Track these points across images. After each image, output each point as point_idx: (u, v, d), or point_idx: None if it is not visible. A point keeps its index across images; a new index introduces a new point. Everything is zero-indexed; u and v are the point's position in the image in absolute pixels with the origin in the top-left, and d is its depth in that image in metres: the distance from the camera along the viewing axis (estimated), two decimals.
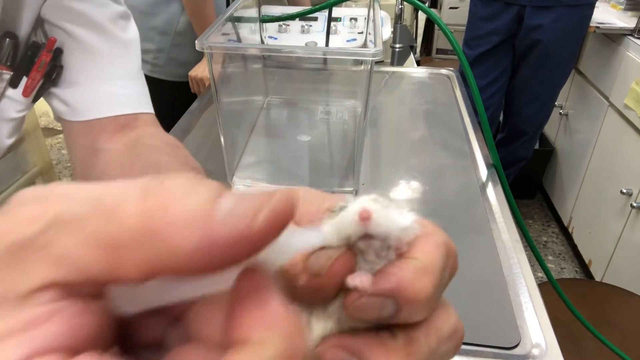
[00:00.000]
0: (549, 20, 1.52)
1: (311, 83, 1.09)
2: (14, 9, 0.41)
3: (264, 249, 0.12)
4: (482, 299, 0.55)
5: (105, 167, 0.45)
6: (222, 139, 0.72)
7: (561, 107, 2.08)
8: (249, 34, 0.97)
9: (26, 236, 0.11)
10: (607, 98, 1.71)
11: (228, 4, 1.28)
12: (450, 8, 2.88)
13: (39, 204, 0.12)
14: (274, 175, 0.80)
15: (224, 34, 0.75)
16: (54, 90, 0.46)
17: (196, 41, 0.61)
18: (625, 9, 1.76)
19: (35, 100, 0.46)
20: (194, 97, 1.15)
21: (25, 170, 1.55)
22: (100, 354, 0.11)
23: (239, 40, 0.87)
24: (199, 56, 1.29)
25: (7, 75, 0.43)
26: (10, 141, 0.47)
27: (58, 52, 0.44)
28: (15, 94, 0.44)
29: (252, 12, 0.97)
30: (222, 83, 0.71)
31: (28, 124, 1.51)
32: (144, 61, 1.45)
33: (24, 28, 0.42)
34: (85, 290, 0.12)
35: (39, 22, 0.44)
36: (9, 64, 0.42)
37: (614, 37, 1.67)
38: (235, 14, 0.80)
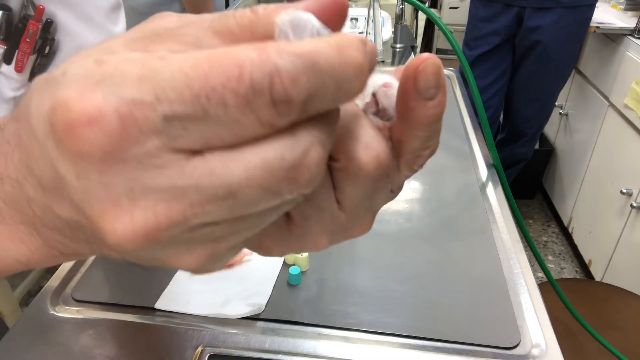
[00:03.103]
0: (549, 22, 1.52)
1: None
2: None
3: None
4: (482, 299, 0.55)
5: None
6: None
7: (561, 107, 2.08)
8: None
9: (168, 27, 0.17)
10: (607, 98, 1.71)
11: (228, 5, 1.28)
12: (450, 8, 2.88)
13: (175, 16, 0.17)
14: None
15: None
16: None
17: None
18: (625, 9, 1.76)
19: (31, 78, 0.45)
20: None
21: None
22: None
23: None
24: None
25: (1, 49, 0.43)
26: None
27: (48, 25, 0.43)
28: (10, 70, 0.44)
29: None
30: None
31: None
32: None
33: (15, 1, 0.42)
34: None
35: (30, 1, 0.43)
36: (2, 37, 0.42)
37: (614, 37, 1.67)
38: None
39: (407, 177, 0.21)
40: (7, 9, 0.41)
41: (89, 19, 0.46)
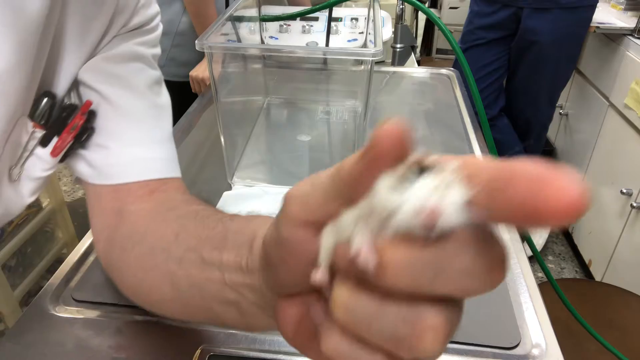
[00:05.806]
0: (547, 22, 1.51)
1: (311, 83, 1.09)
2: (53, 69, 0.40)
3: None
4: (482, 299, 0.55)
5: (133, 224, 0.43)
6: (222, 139, 0.72)
7: (561, 107, 2.08)
8: (249, 34, 0.97)
9: None
10: (607, 98, 1.71)
11: (228, 4, 1.28)
12: (450, 8, 2.88)
13: None
14: (274, 175, 0.80)
15: (223, 34, 0.75)
16: (82, 151, 0.45)
17: (196, 41, 0.62)
18: (625, 9, 1.76)
19: (62, 160, 0.45)
20: (194, 97, 1.15)
21: None
22: None
23: (239, 40, 0.87)
24: (199, 56, 1.29)
25: (39, 133, 0.42)
26: (30, 199, 0.45)
27: (91, 115, 0.43)
28: (44, 153, 0.43)
29: (252, 12, 0.97)
30: (222, 83, 0.71)
31: None
32: None
33: (61, 88, 0.42)
34: None
35: (75, 84, 0.43)
36: (43, 122, 0.41)
37: (614, 37, 1.67)
38: (235, 14, 0.80)
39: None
40: (52, 96, 0.41)
41: (135, 89, 0.45)
